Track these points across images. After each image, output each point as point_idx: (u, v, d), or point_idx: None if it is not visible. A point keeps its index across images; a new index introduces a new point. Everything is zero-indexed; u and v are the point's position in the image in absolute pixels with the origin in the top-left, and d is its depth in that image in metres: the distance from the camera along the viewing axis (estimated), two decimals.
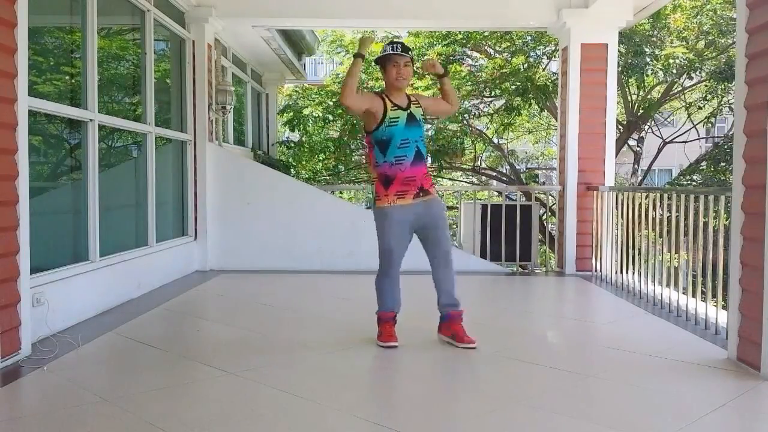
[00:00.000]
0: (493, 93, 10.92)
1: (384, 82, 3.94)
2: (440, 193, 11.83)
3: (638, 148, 12.25)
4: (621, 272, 5.90)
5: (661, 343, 3.99)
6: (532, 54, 10.59)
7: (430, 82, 10.24)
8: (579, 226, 6.67)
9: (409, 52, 3.88)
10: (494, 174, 13.43)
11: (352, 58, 3.83)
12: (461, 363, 3.61)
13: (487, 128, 12.03)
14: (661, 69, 9.44)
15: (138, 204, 5.67)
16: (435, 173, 12.90)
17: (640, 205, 5.50)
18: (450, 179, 14.24)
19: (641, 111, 11.06)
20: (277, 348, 3.80)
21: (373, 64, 3.74)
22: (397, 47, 3.82)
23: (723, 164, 10.48)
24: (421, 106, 3.92)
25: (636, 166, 12.37)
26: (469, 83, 10.55)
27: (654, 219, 5.32)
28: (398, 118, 3.78)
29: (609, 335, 4.35)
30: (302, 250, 6.76)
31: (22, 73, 3.47)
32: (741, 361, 3.47)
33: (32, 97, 3.76)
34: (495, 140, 12.41)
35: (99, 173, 4.73)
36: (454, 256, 3.89)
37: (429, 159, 3.92)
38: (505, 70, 10.12)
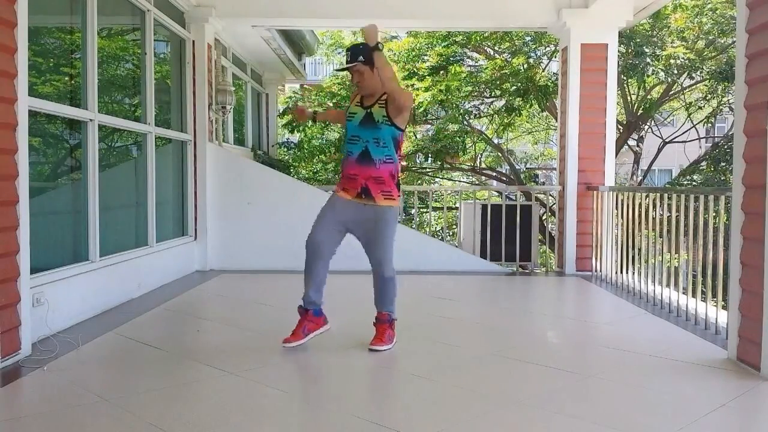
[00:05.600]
0: (493, 93, 10.92)
1: None
2: (440, 193, 11.96)
3: (638, 148, 12.25)
4: (621, 272, 5.89)
5: (661, 343, 3.99)
6: (532, 54, 10.59)
7: (430, 84, 10.25)
8: (579, 226, 6.68)
9: (359, 57, 3.71)
10: (494, 174, 13.44)
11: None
12: (461, 363, 3.61)
13: (487, 128, 12.03)
14: (662, 69, 9.44)
15: (138, 204, 5.67)
16: (435, 173, 12.93)
17: (640, 205, 5.50)
18: (450, 179, 14.26)
19: (641, 111, 11.06)
20: (277, 348, 3.80)
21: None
22: (349, 55, 3.78)
23: (723, 164, 10.49)
24: (387, 110, 3.72)
25: (636, 166, 12.37)
26: (469, 84, 10.54)
27: (654, 219, 5.32)
28: (355, 114, 3.78)
29: (609, 335, 4.35)
30: (302, 250, 6.72)
31: (22, 73, 3.47)
32: (741, 361, 3.47)
33: (32, 97, 3.76)
34: (495, 140, 12.41)
35: (99, 173, 4.73)
36: (388, 267, 3.78)
37: (392, 168, 3.83)
38: (505, 71, 10.12)
